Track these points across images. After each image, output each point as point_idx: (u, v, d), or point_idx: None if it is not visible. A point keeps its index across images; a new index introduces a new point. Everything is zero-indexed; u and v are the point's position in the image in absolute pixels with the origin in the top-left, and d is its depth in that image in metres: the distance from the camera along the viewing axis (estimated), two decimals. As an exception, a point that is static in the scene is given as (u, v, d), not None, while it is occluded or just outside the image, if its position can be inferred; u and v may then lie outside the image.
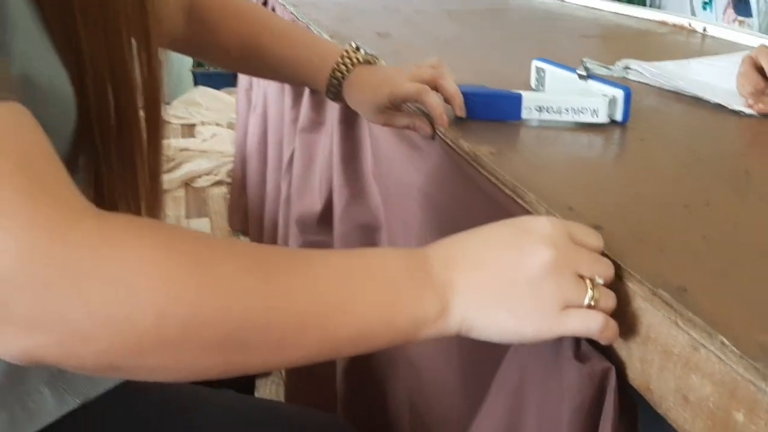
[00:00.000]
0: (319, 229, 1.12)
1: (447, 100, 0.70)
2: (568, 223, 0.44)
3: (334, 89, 0.78)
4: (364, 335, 0.38)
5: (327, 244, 1.09)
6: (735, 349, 0.36)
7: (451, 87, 0.69)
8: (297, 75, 0.82)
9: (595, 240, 0.44)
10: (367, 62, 0.77)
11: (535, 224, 0.43)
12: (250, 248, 0.42)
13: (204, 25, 0.80)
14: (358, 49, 0.78)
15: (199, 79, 3.46)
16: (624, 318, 0.44)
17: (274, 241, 1.48)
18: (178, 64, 3.33)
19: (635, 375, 0.44)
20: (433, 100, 0.68)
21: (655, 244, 0.47)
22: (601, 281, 0.42)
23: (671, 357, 0.40)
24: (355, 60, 0.76)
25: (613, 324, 0.42)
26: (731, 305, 0.40)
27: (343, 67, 0.76)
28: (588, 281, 0.41)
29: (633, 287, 0.43)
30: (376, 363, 0.94)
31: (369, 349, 0.40)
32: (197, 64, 3.54)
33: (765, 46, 0.83)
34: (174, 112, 3.00)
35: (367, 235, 0.95)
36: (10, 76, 0.38)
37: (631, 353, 0.44)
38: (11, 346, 0.33)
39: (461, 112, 0.70)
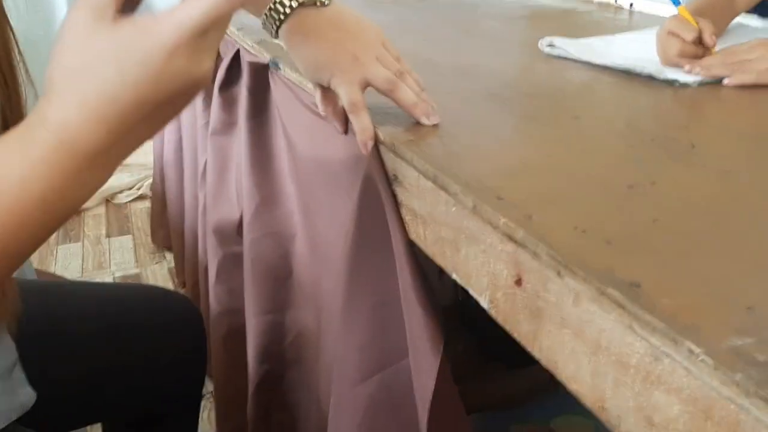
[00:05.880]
0: (240, 239, 1.03)
1: (406, 109, 0.60)
2: None
3: (272, 27, 0.61)
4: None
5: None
6: (707, 358, 0.28)
7: (411, 98, 0.59)
8: None
9: None
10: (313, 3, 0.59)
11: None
12: None
13: None
14: None
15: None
16: (570, 324, 0.37)
17: (196, 256, 1.37)
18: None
19: (586, 391, 0.36)
20: (408, 97, 0.58)
21: (599, 234, 0.40)
22: None
23: (628, 369, 0.33)
24: None
25: None
26: (695, 300, 0.33)
27: (279, 6, 0.59)
28: None
29: (577, 286, 0.36)
30: (285, 387, 0.86)
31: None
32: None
33: (672, 18, 0.80)
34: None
35: (280, 244, 0.86)
36: None
37: (580, 366, 0.36)
38: None
39: (427, 120, 0.59)
